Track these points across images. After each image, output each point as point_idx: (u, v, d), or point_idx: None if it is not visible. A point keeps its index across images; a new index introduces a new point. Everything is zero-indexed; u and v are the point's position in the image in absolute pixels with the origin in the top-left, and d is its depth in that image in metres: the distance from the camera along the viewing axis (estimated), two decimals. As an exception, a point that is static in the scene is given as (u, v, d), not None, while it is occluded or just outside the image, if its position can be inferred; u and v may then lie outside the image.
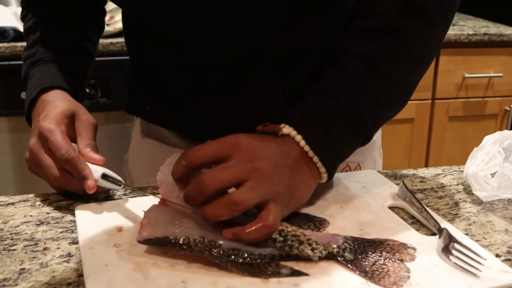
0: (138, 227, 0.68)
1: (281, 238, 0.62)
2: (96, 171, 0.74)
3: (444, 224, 0.70)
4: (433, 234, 0.69)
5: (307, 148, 0.70)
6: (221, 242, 0.61)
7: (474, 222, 0.73)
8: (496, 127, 2.46)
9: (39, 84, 0.84)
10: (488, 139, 0.84)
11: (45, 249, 0.65)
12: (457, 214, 0.75)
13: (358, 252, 0.63)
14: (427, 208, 0.72)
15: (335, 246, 0.62)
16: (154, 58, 0.88)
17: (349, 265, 0.61)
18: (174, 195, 0.67)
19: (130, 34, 0.93)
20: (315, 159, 0.70)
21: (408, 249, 0.64)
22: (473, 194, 0.80)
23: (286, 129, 0.71)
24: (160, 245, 0.61)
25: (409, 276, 0.59)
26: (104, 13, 1.02)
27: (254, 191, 0.63)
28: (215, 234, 0.62)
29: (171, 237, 0.61)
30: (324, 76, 0.75)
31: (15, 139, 2.02)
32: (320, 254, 0.61)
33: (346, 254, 0.62)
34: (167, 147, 0.96)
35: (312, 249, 0.61)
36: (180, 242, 0.60)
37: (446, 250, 0.63)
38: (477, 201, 0.79)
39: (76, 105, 0.82)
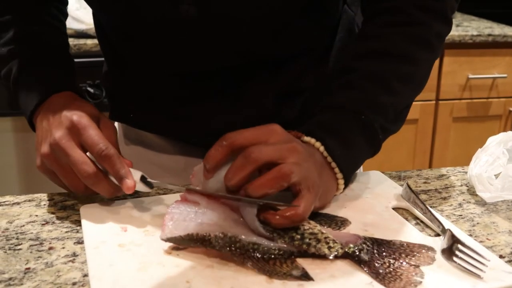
0: (143, 227, 0.68)
1: (299, 236, 0.63)
2: (134, 172, 0.71)
3: (448, 225, 0.70)
4: (437, 235, 0.69)
5: (325, 153, 0.72)
6: (241, 237, 0.62)
7: (478, 223, 0.73)
8: (500, 128, 2.45)
9: (47, 86, 0.81)
10: (492, 140, 0.84)
11: (50, 248, 0.65)
12: (461, 215, 0.75)
13: (375, 253, 0.63)
14: (431, 209, 0.72)
15: (352, 245, 0.63)
16: (137, 67, 0.87)
17: (362, 265, 0.61)
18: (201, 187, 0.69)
19: (105, 37, 0.91)
20: (333, 164, 0.72)
21: (429, 252, 0.64)
22: (477, 195, 0.80)
23: (306, 138, 0.73)
24: (183, 243, 0.63)
25: (421, 282, 0.59)
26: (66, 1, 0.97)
27: (298, 166, 0.65)
28: (235, 229, 0.63)
29: (193, 234, 0.62)
30: (336, 94, 0.78)
31: (19, 139, 2.03)
32: (336, 253, 0.62)
33: (362, 254, 0.62)
34: (151, 152, 0.95)
35: (329, 248, 0.62)
36: (202, 238, 0.61)
37: (450, 251, 0.63)
38: (481, 202, 0.79)
39: (96, 108, 0.78)
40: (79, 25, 1.96)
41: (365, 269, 0.61)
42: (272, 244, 0.62)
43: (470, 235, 0.70)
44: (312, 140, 0.72)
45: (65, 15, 0.96)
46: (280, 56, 0.84)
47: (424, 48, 0.80)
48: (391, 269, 0.61)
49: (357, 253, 0.62)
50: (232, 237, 0.61)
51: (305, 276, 0.59)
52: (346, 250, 0.62)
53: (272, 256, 0.61)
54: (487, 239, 0.69)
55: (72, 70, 0.88)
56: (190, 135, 0.89)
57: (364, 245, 0.63)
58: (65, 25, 0.95)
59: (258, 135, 0.67)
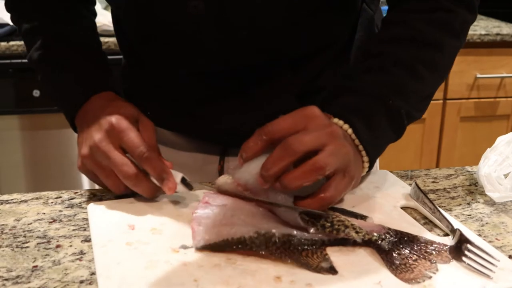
0: (150, 225, 0.68)
1: (329, 224, 0.65)
2: (175, 174, 0.72)
3: (456, 225, 0.70)
4: (446, 235, 0.69)
5: (354, 136, 0.72)
6: (274, 231, 0.63)
7: (487, 223, 0.73)
8: (508, 128, 2.44)
9: (85, 88, 0.82)
10: (501, 140, 0.83)
11: (57, 246, 0.65)
12: (469, 215, 0.75)
13: (396, 244, 0.64)
14: (440, 209, 0.71)
15: (376, 234, 0.64)
16: (155, 65, 0.87)
17: (380, 254, 0.62)
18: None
19: (124, 35, 0.91)
20: (360, 147, 0.73)
21: (448, 252, 0.64)
22: (485, 195, 0.80)
23: (335, 120, 0.73)
24: (218, 249, 0.62)
25: (431, 277, 0.59)
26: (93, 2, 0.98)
27: (334, 157, 0.66)
28: (267, 225, 0.64)
29: (228, 239, 0.62)
30: (362, 77, 0.78)
31: (26, 137, 2.03)
32: (363, 237, 0.64)
33: (383, 243, 0.63)
34: (169, 149, 0.95)
35: (356, 232, 0.64)
36: (237, 241, 0.62)
37: (459, 250, 0.63)
38: (490, 202, 0.79)
39: (135, 108, 0.79)
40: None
41: (382, 258, 0.62)
42: (305, 235, 0.64)
43: (479, 235, 0.69)
44: (340, 122, 0.72)
45: (94, 14, 0.97)
46: (298, 54, 0.83)
47: (450, 34, 0.80)
48: (406, 261, 0.61)
49: (379, 242, 0.64)
50: (266, 234, 0.62)
51: (332, 269, 0.60)
52: (370, 237, 0.64)
53: (306, 247, 0.62)
54: (496, 239, 0.69)
55: (107, 68, 0.88)
56: (208, 133, 0.89)
57: (387, 235, 0.65)
58: (95, 24, 0.95)
59: (296, 123, 0.67)
